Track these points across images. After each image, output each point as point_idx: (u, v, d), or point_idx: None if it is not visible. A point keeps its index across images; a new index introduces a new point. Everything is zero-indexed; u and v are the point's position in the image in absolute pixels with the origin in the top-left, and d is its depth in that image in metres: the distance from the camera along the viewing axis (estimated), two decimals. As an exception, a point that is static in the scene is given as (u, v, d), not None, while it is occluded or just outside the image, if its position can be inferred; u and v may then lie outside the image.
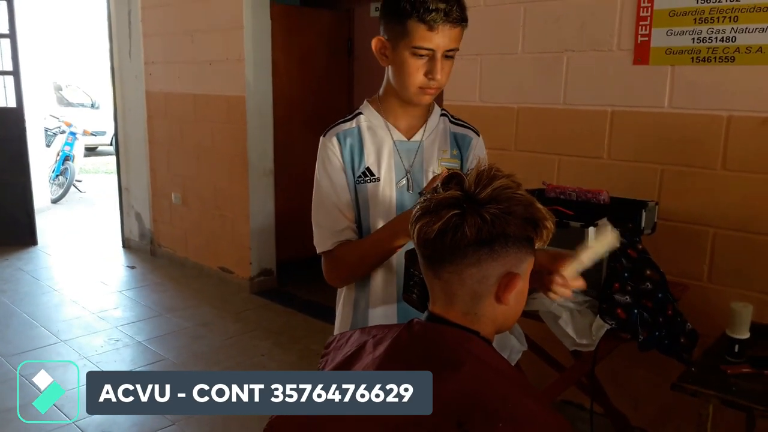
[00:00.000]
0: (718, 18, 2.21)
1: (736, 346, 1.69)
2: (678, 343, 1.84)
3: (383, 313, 1.41)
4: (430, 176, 1.38)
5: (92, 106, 12.18)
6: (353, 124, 1.39)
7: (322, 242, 1.38)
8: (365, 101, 1.44)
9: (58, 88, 11.74)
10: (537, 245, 0.95)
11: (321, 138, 1.39)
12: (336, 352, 1.03)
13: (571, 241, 1.91)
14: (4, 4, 5.01)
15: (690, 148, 2.28)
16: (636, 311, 1.81)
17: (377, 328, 1.04)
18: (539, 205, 0.93)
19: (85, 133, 8.36)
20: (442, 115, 1.47)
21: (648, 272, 1.87)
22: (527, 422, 0.81)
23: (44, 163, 7.17)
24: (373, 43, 1.33)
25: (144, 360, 3.38)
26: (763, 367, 1.63)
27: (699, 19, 2.25)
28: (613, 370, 2.43)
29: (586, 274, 1.98)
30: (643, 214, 2.05)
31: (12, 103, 5.23)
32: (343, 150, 1.36)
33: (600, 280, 1.90)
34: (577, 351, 1.98)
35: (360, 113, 1.41)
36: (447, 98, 3.01)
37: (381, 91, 1.41)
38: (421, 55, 1.26)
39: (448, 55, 1.29)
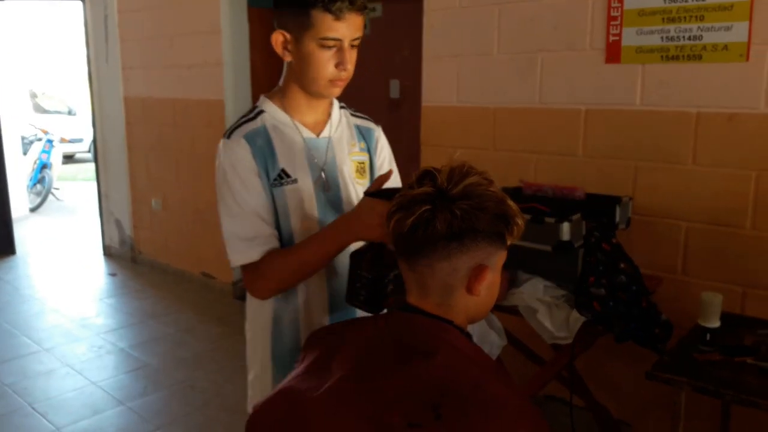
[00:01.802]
0: (685, 17, 2.27)
1: (708, 335, 1.74)
2: (653, 334, 1.89)
3: (315, 325, 1.30)
4: (345, 172, 1.35)
5: (69, 113, 12.05)
6: (258, 123, 1.30)
7: (244, 254, 1.25)
8: (262, 97, 1.35)
9: (34, 96, 11.60)
10: (508, 241, 0.99)
11: (223, 140, 1.28)
12: (316, 345, 1.05)
13: (545, 235, 1.97)
14: (-22, 11, 4.95)
15: (662, 145, 2.34)
16: (611, 303, 1.86)
17: (356, 320, 1.07)
18: (510, 202, 0.97)
19: (62, 140, 8.28)
20: (341, 107, 1.42)
21: (622, 265, 1.92)
22: (498, 407, 0.84)
23: (21, 171, 7.09)
24: (273, 37, 1.25)
25: (127, 366, 3.37)
26: (733, 355, 1.68)
27: (667, 19, 2.32)
28: (594, 364, 2.48)
29: (561, 269, 2.04)
30: (617, 209, 2.10)
31: (-13, 111, 5.18)
32: (254, 151, 1.26)
33: (576, 274, 1.95)
34: (557, 344, 2.03)
35: (262, 111, 1.32)
36: (426, 99, 3.05)
37: (282, 86, 1.33)
38: (329, 47, 1.21)
39: (354, 44, 1.25)
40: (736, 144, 2.17)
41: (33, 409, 2.89)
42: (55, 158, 7.97)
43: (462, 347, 0.94)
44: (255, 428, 0.97)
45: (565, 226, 1.93)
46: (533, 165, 2.69)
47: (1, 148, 5.20)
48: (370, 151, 1.43)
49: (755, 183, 2.14)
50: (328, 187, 1.32)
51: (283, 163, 1.28)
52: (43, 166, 7.73)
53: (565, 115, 2.58)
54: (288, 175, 1.28)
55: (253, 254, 1.24)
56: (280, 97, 1.33)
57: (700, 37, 2.25)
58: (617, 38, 2.43)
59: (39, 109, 11.42)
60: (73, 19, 7.84)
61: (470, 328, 2.05)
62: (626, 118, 2.41)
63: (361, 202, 1.17)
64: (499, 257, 0.99)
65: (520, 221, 0.97)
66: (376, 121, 1.49)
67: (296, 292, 1.32)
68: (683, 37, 2.29)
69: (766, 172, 2.12)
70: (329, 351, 1.00)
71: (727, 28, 2.19)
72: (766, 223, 2.12)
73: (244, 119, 1.31)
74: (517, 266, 2.13)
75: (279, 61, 1.32)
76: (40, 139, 8.05)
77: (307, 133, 1.33)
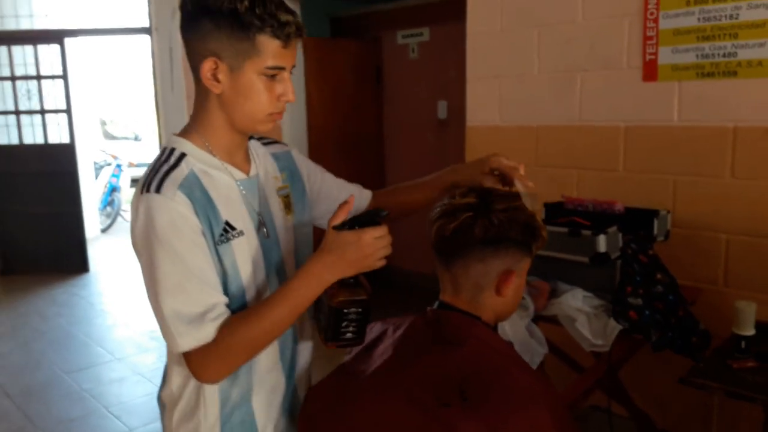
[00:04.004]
0: (718, 35, 2.34)
1: (743, 343, 1.80)
2: (690, 343, 1.95)
3: (267, 403, 1.18)
4: (275, 212, 1.19)
5: (135, 138, 12.74)
6: (184, 169, 1.07)
7: (194, 335, 1.02)
8: (175, 138, 1.13)
9: (103, 123, 12.32)
10: (534, 251, 1.13)
11: (148, 195, 1.03)
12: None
13: (583, 247, 2.06)
14: (57, 47, 5.40)
15: (700, 159, 2.40)
16: (647, 312, 1.93)
17: (396, 318, 1.22)
18: (538, 218, 1.12)
19: (130, 164, 8.78)
20: (249, 138, 1.23)
21: (658, 276, 1.99)
22: (518, 390, 0.98)
23: (93, 194, 7.57)
24: (205, 66, 1.05)
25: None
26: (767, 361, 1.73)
27: (701, 37, 2.39)
28: (637, 374, 2.53)
29: (599, 280, 2.12)
30: (654, 222, 2.17)
31: (65, 140, 5.61)
32: (196, 207, 1.04)
33: (613, 285, 2.03)
34: (596, 353, 2.11)
35: (183, 154, 1.10)
36: (470, 120, 3.18)
37: (201, 122, 1.12)
38: (272, 76, 1.06)
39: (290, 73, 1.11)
40: (774, 156, 2.21)
41: (108, 411, 3.14)
42: (124, 182, 8.47)
43: (488, 340, 1.08)
44: (314, 400, 1.14)
45: (602, 239, 2.02)
46: (575, 181, 2.78)
47: (77, 173, 5.62)
48: (294, 177, 1.27)
49: (793, 195, 2.18)
50: (267, 232, 1.16)
51: (225, 214, 1.09)
52: (113, 190, 8.22)
53: (604, 132, 2.66)
54: (233, 228, 1.09)
55: (207, 333, 1.03)
56: (200, 135, 1.12)
57: (735, 54, 2.31)
58: (653, 57, 2.51)
59: (108, 136, 12.13)
60: (142, 51, 8.33)
61: (512, 337, 2.16)
62: (664, 134, 2.48)
63: (338, 239, 1.05)
64: (525, 264, 1.13)
65: (544, 233, 1.12)
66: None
67: (250, 364, 1.14)
68: (718, 54, 2.35)
69: (804, 184, 2.15)
70: (373, 342, 1.15)
71: (761, 45, 2.25)
72: (805, 234, 2.15)
73: (165, 167, 1.06)
74: (558, 278, 2.22)
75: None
76: (109, 164, 8.56)
77: (239, 174, 1.14)
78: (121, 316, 4.67)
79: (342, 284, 1.08)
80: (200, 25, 1.05)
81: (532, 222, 1.10)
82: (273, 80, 1.07)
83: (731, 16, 2.31)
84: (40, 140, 5.70)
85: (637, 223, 2.23)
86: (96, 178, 8.31)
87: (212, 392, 1.13)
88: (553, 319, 2.11)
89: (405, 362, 1.05)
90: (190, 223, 1.03)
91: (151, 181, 1.04)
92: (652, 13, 2.49)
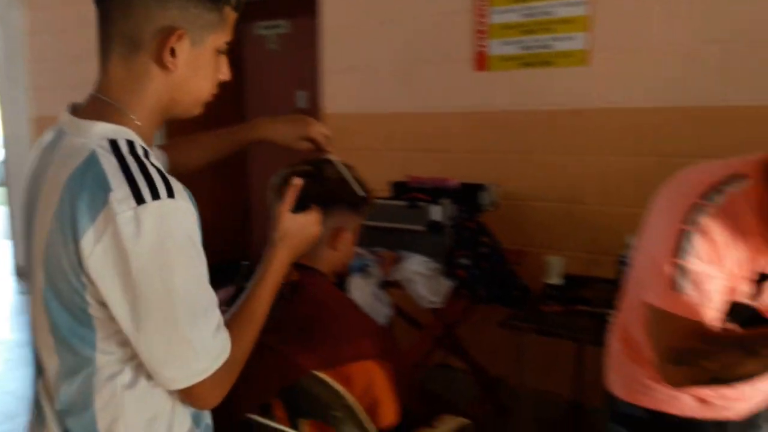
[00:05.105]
0: (537, 29, 2.66)
1: (552, 291, 2.07)
2: (512, 296, 2.21)
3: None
4: None
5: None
6: (159, 164, 0.87)
7: (219, 354, 0.88)
8: (114, 126, 0.87)
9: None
10: (363, 212, 1.34)
11: (158, 203, 0.80)
12: None
13: (420, 218, 2.26)
14: None
15: (524, 139, 2.70)
16: (474, 271, 2.16)
17: None
18: (365, 185, 1.30)
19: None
20: None
21: (484, 239, 2.24)
22: (347, 326, 1.20)
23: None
24: (171, 39, 0.86)
25: (41, 375, 3.41)
26: (572, 305, 2.01)
27: (524, 31, 2.69)
28: (473, 331, 2.77)
29: (435, 245, 2.32)
30: (482, 194, 2.43)
31: None
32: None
33: (444, 250, 2.25)
34: (435, 310, 2.32)
35: (143, 148, 0.88)
36: (329, 108, 3.31)
37: (133, 105, 0.90)
38: (222, 52, 0.94)
39: None
40: (580, 134, 2.55)
41: None
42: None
43: (324, 287, 1.28)
44: None
45: (435, 209, 2.23)
46: (419, 162, 3.00)
47: None
48: None
49: (596, 166, 2.53)
50: None
51: None
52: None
53: (443, 117, 2.91)
54: None
55: (226, 348, 0.89)
56: (135, 123, 0.90)
57: (550, 46, 2.63)
58: (484, 49, 2.79)
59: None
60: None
61: (360, 302, 2.33)
62: (494, 118, 2.77)
63: (296, 222, 1.07)
64: (355, 222, 1.32)
65: (370, 197, 1.31)
66: None
67: None
68: (537, 46, 2.66)
69: (604, 156, 2.51)
70: None
71: (571, 38, 2.58)
72: (607, 198, 2.50)
73: (156, 170, 0.84)
74: (401, 247, 2.41)
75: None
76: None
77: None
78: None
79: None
80: None
81: (361, 187, 1.28)
82: (220, 57, 0.94)
83: (547, 13, 2.63)
84: None
85: (469, 196, 2.47)
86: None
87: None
88: (397, 284, 2.29)
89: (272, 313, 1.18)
90: (198, 231, 0.87)
91: (153, 185, 0.81)
92: (483, 9, 2.76)
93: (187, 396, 0.88)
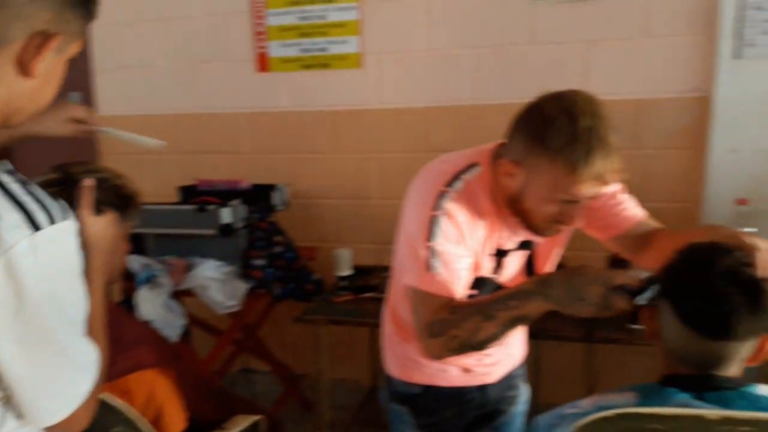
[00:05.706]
0: (314, 33, 2.77)
1: (343, 282, 2.21)
2: (306, 291, 2.31)
3: None
4: None
5: None
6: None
7: (95, 369, 0.87)
8: None
9: None
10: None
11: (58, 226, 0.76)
12: None
13: (210, 221, 2.25)
14: None
15: (309, 139, 2.81)
16: (270, 270, 2.22)
17: None
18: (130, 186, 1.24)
19: None
20: None
21: (277, 238, 2.30)
22: (123, 335, 1.15)
23: None
24: (51, 44, 0.78)
25: None
26: (361, 293, 2.17)
27: (301, 34, 2.78)
28: (274, 331, 2.83)
29: (228, 249, 2.32)
30: (271, 194, 2.49)
31: None
32: None
33: (238, 252, 2.27)
34: (233, 313, 2.33)
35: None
36: (105, 110, 3.08)
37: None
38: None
39: None
40: (360, 134, 2.73)
41: None
42: None
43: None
44: None
45: (225, 211, 2.23)
46: (209, 164, 2.96)
47: None
48: None
49: (376, 163, 2.72)
50: None
51: None
52: None
53: (229, 118, 2.90)
54: None
55: (98, 363, 0.87)
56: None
57: (327, 49, 2.76)
58: (264, 50, 2.83)
59: None
60: None
61: (150, 315, 2.24)
62: (279, 118, 2.83)
63: (99, 224, 1.07)
64: (124, 227, 1.23)
65: (136, 200, 1.24)
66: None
67: None
68: (314, 49, 2.77)
69: (382, 153, 2.71)
70: None
71: (345, 42, 2.74)
72: (387, 192, 2.71)
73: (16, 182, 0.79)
74: (193, 253, 2.37)
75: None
76: None
77: None
78: None
79: None
80: None
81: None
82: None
83: (322, 17, 2.75)
84: None
85: (261, 196, 2.51)
86: None
87: None
88: (190, 292, 2.25)
89: None
90: None
91: (48, 209, 0.76)
92: (260, 11, 2.79)
93: (65, 426, 0.83)
